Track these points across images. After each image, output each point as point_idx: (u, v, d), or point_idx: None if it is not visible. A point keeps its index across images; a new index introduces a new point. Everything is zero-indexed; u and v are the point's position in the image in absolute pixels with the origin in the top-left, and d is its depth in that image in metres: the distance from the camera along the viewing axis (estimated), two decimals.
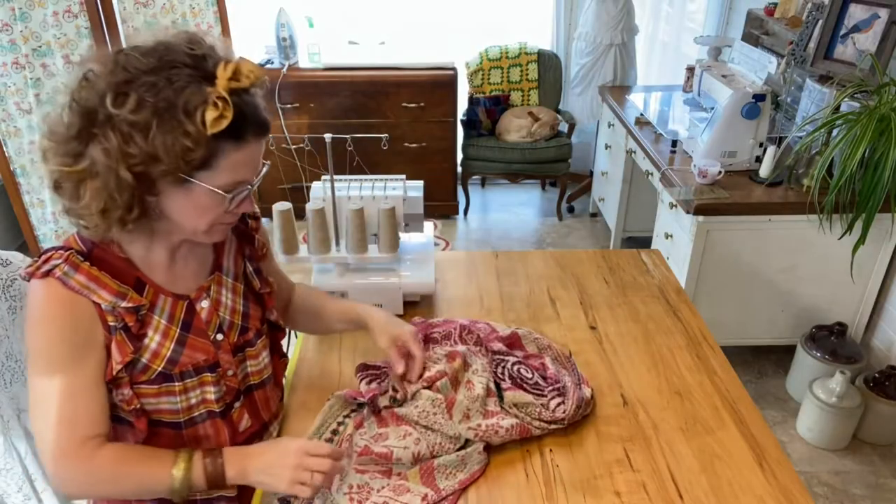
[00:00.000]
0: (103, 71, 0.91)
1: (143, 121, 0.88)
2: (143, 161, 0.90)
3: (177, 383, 1.05)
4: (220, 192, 0.97)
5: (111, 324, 1.00)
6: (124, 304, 1.00)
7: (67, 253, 0.99)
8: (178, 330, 1.06)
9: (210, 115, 0.89)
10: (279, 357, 1.26)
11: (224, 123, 0.90)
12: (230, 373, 1.12)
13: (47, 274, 0.97)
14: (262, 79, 0.97)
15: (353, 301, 1.35)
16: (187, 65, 0.91)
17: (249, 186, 1.01)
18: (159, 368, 1.03)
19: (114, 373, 1.00)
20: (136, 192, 0.93)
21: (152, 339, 1.03)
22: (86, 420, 0.99)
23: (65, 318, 0.97)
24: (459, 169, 3.94)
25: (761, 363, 2.78)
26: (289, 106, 3.58)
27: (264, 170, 1.05)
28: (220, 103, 0.89)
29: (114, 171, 0.90)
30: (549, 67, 3.92)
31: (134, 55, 0.91)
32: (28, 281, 0.99)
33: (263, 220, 1.28)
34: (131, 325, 1.01)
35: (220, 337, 1.10)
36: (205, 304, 1.10)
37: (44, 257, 0.98)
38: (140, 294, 1.03)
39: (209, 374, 1.09)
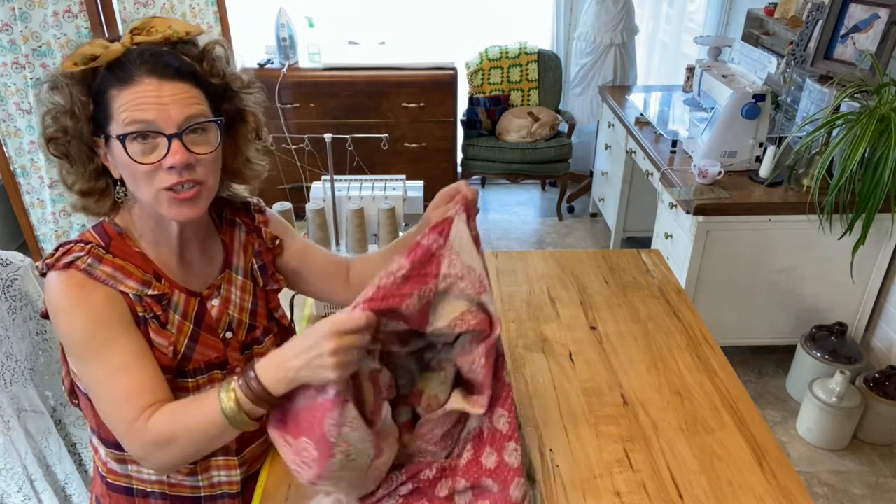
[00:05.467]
0: None
1: (41, 85, 0.96)
2: (56, 131, 0.96)
3: (190, 380, 1.06)
4: (115, 137, 0.93)
5: (140, 314, 1.00)
6: (150, 291, 1.01)
7: (89, 246, 0.99)
8: (192, 326, 1.06)
9: (69, 60, 0.93)
10: None
11: (74, 60, 0.92)
12: (238, 370, 1.12)
13: (69, 266, 0.96)
14: (186, 31, 0.97)
15: (391, 246, 1.25)
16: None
17: (164, 134, 0.93)
18: (175, 364, 1.03)
19: (170, 356, 1.00)
20: (87, 165, 0.98)
21: (171, 333, 1.04)
22: (140, 394, 0.96)
23: (94, 301, 0.96)
24: (459, 169, 3.94)
25: (761, 363, 2.78)
26: (289, 106, 3.58)
27: (204, 121, 0.96)
28: (89, 49, 0.92)
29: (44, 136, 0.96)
30: (549, 67, 3.92)
31: None
32: (44, 274, 0.98)
33: None
34: (159, 314, 1.02)
35: (229, 335, 1.11)
36: (216, 302, 1.10)
37: (62, 250, 0.98)
38: (160, 284, 1.03)
39: (219, 372, 1.09)
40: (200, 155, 0.96)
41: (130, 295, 0.99)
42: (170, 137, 0.93)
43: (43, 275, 0.99)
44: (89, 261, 0.97)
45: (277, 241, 1.20)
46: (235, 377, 0.94)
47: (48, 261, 0.97)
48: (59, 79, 0.95)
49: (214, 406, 0.92)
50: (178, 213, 0.98)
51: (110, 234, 1.03)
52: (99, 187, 1.00)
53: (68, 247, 0.98)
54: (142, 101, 0.92)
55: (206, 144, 0.98)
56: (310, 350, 0.88)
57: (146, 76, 0.93)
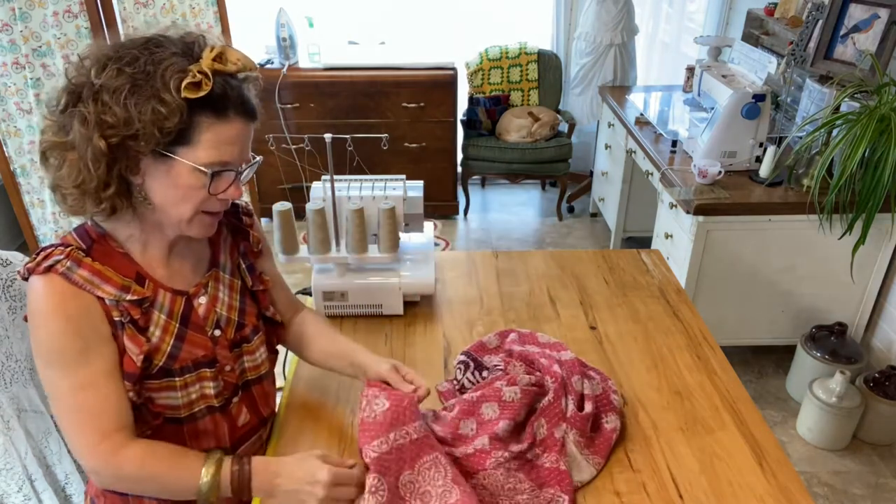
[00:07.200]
0: (96, 51, 0.95)
1: (118, 86, 0.90)
2: (118, 130, 0.91)
3: (177, 378, 1.05)
4: (200, 168, 0.95)
5: (116, 319, 1.00)
6: (129, 297, 1.01)
7: (69, 249, 0.99)
8: (178, 325, 1.06)
9: (186, 81, 0.91)
10: (269, 352, 1.25)
11: (199, 92, 0.91)
12: (228, 368, 1.12)
13: (48, 270, 0.96)
14: (250, 67, 0.98)
15: (352, 344, 1.26)
16: (174, 44, 0.94)
17: (235, 171, 1.00)
18: (160, 363, 1.03)
19: (137, 364, 1.00)
20: (113, 166, 0.94)
21: (153, 334, 1.03)
22: (106, 413, 0.98)
23: (71, 311, 0.96)
24: (459, 169, 3.94)
25: (761, 363, 2.78)
26: (289, 106, 3.58)
27: (255, 161, 1.05)
28: (198, 75, 0.91)
29: (89, 140, 0.91)
30: (549, 67, 3.92)
31: (127, 37, 0.96)
32: (26, 278, 0.98)
33: (263, 220, 1.28)
34: (137, 317, 1.01)
35: (217, 333, 1.11)
36: (202, 300, 1.10)
37: (43, 254, 0.98)
38: (141, 288, 1.03)
39: (207, 370, 1.09)
40: (243, 186, 1.05)
41: (106, 300, 0.99)
42: (237, 174, 1.01)
43: (25, 279, 0.99)
44: (68, 264, 0.97)
45: (260, 246, 1.24)
46: (228, 458, 1.01)
47: (29, 265, 0.98)
48: (176, 100, 0.91)
49: (195, 471, 0.98)
50: (205, 232, 1.05)
51: (92, 237, 1.02)
52: (113, 190, 0.98)
53: (49, 251, 0.99)
54: (230, 141, 0.97)
55: (248, 177, 1.06)
56: (304, 484, 0.98)
57: (237, 115, 0.97)
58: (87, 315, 0.97)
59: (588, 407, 1.18)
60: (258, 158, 1.06)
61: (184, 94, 0.90)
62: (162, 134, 0.92)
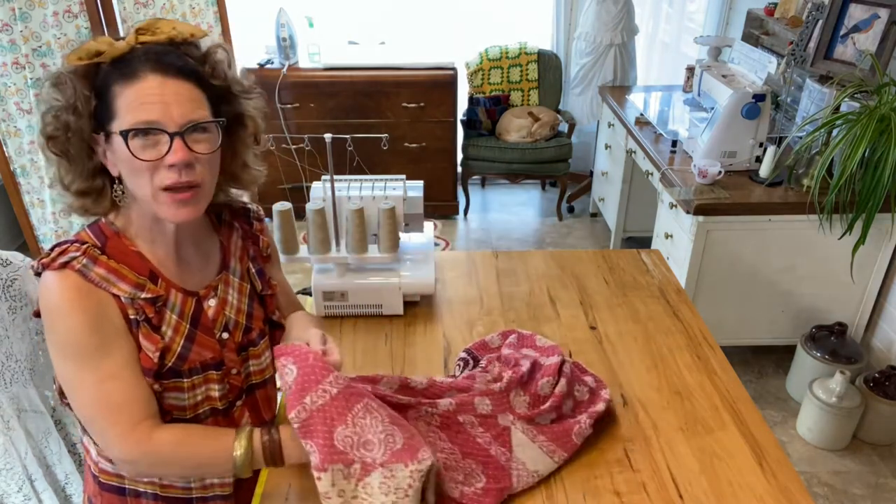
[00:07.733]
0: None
1: (55, 79, 0.96)
2: (64, 112, 0.95)
3: (185, 380, 1.06)
4: (119, 133, 0.93)
5: (132, 317, 1.00)
6: (144, 294, 1.01)
7: (85, 246, 0.99)
8: (188, 326, 1.06)
9: (69, 53, 0.93)
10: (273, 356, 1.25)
11: (79, 55, 0.93)
12: (234, 371, 1.12)
13: (64, 266, 0.96)
14: (189, 33, 0.98)
15: (308, 323, 1.23)
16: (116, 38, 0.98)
17: (168, 133, 0.94)
18: (170, 363, 1.04)
19: (154, 360, 1.01)
20: (80, 158, 0.97)
21: (165, 334, 1.04)
22: (133, 403, 0.99)
23: (88, 306, 0.96)
24: (459, 169, 3.94)
25: (761, 363, 2.78)
26: (289, 106, 3.58)
27: (201, 122, 0.97)
28: (98, 45, 0.93)
29: (56, 120, 0.96)
30: (549, 67, 3.92)
31: None
32: (39, 274, 0.98)
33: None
34: (151, 316, 1.02)
35: (225, 336, 1.11)
36: (212, 302, 1.10)
37: (58, 249, 0.98)
38: (155, 286, 1.03)
39: (214, 372, 1.09)
40: (201, 154, 0.98)
41: (122, 298, 0.99)
42: (172, 136, 0.94)
43: (38, 274, 0.99)
44: (84, 261, 0.97)
45: (269, 250, 1.24)
46: (257, 430, 1.02)
47: (44, 260, 0.97)
48: (63, 74, 0.95)
49: (228, 447, 1.00)
50: (176, 214, 0.99)
51: (107, 234, 1.03)
52: (96, 186, 1.00)
53: (64, 247, 0.98)
54: (145, 99, 0.94)
55: (206, 143, 0.99)
56: None
57: (150, 73, 0.94)
58: (103, 311, 0.98)
59: (547, 404, 1.18)
60: (216, 119, 1.00)
61: (66, 62, 0.93)
62: (75, 115, 0.94)
